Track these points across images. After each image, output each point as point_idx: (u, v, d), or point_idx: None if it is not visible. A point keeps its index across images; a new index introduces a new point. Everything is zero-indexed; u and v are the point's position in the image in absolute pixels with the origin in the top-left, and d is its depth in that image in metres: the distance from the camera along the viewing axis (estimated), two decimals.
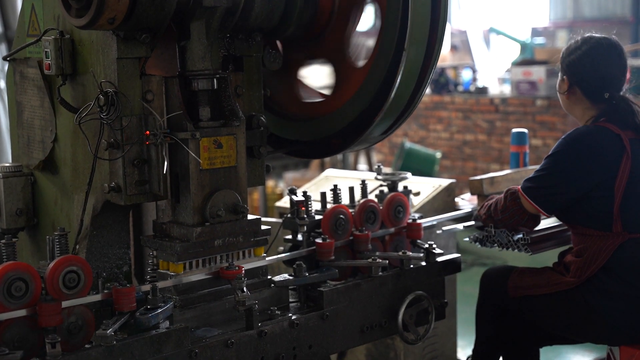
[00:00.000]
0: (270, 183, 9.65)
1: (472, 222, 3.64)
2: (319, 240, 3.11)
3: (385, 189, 3.60)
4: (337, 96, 3.19)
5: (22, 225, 3.11)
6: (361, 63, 3.13)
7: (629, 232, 3.17)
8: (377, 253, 3.24)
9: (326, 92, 3.31)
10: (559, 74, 3.42)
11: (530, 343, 3.56)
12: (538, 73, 10.67)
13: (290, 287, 3.06)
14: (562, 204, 3.26)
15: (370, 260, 3.13)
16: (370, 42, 3.12)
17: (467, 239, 3.59)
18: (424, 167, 10.16)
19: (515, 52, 16.19)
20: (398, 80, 2.96)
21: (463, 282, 4.75)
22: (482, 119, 11.37)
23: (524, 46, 15.82)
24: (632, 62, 3.44)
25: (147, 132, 2.69)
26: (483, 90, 11.83)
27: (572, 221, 3.32)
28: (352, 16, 3.15)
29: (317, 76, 3.39)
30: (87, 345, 2.48)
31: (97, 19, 2.47)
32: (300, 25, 3.08)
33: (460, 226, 3.65)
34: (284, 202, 4.59)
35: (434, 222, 3.72)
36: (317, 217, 3.24)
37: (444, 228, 3.64)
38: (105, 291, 2.57)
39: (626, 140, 3.20)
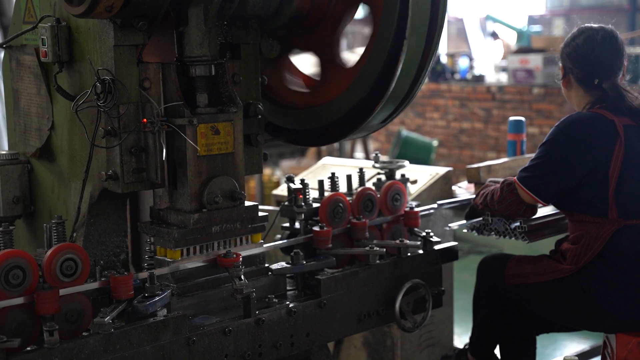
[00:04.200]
0: (266, 171, 9.65)
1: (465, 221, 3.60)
2: (316, 228, 3.11)
3: (383, 177, 3.60)
4: (335, 84, 3.19)
5: (19, 213, 3.10)
6: (359, 51, 3.12)
7: (625, 219, 3.17)
8: (375, 241, 3.24)
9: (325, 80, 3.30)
10: (559, 63, 3.44)
11: (526, 331, 3.57)
12: (535, 61, 10.68)
13: (287, 275, 3.07)
14: (558, 192, 3.26)
15: (367, 248, 3.13)
16: (368, 31, 3.11)
17: (458, 224, 3.59)
18: (420, 155, 10.19)
19: (512, 40, 16.18)
20: (399, 70, 2.95)
21: (460, 270, 4.76)
22: (478, 107, 11.37)
23: (521, 34, 15.81)
24: (628, 50, 3.44)
25: (145, 119, 2.69)
26: (480, 79, 11.84)
27: (568, 208, 3.33)
28: (349, 11, 3.15)
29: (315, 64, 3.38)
30: (85, 333, 2.49)
31: (95, 7, 2.46)
32: (298, 13, 3.07)
33: (466, 224, 3.60)
34: (282, 190, 4.59)
35: (431, 210, 3.72)
36: (315, 205, 3.24)
37: (451, 225, 3.63)
38: (103, 279, 2.57)
39: (620, 126, 3.20)
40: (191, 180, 2.76)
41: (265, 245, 3.01)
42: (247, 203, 2.92)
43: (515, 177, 3.31)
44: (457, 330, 4.60)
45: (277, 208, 3.39)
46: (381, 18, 3.01)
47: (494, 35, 16.36)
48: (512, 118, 4.84)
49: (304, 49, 3.30)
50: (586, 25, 3.40)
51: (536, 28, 16.96)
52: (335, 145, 10.35)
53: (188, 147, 2.74)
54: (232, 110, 2.83)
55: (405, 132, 11.01)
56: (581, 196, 3.23)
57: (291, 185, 3.25)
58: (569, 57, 3.37)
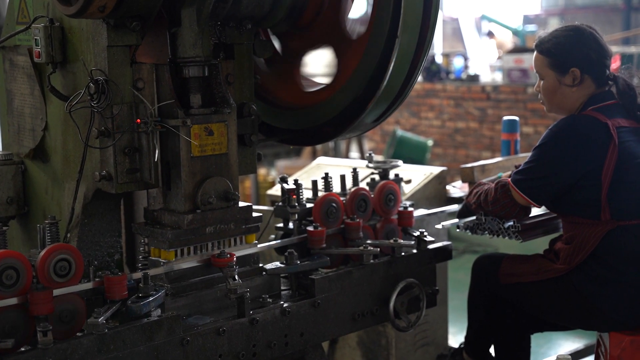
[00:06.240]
0: (261, 171, 9.66)
1: (457, 220, 3.60)
2: (310, 228, 3.11)
3: (377, 177, 3.60)
4: (329, 84, 3.19)
5: (13, 214, 3.10)
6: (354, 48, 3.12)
7: (618, 220, 3.18)
8: (369, 241, 3.24)
9: (319, 80, 3.31)
10: (551, 73, 3.31)
11: (521, 330, 3.58)
12: (530, 61, 10.67)
13: (281, 275, 3.07)
14: (552, 195, 3.27)
15: (361, 248, 3.13)
16: (362, 30, 3.12)
17: (451, 223, 3.59)
18: (415, 155, 10.20)
19: (507, 39, 16.19)
20: (391, 68, 2.96)
21: (454, 269, 4.77)
22: (473, 106, 11.38)
23: (516, 34, 15.84)
24: (623, 49, 3.43)
25: (138, 120, 2.69)
26: (475, 78, 11.85)
27: (561, 210, 3.33)
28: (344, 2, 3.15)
29: (309, 64, 3.38)
30: (78, 334, 2.49)
31: (88, 7, 2.46)
32: (291, 13, 3.08)
33: (460, 223, 3.60)
34: (276, 190, 4.59)
35: (427, 212, 3.73)
36: (309, 205, 3.24)
37: (443, 223, 3.63)
38: (97, 279, 2.57)
39: (613, 129, 3.20)
40: (185, 181, 2.76)
41: (259, 246, 3.02)
42: (241, 204, 2.92)
43: (510, 179, 3.32)
44: (452, 329, 4.61)
45: (272, 208, 3.39)
46: (374, 17, 3.02)
47: (490, 34, 16.40)
48: (505, 118, 4.85)
49: (299, 48, 3.30)
50: (566, 26, 3.37)
51: (531, 27, 16.98)
52: (331, 144, 10.37)
53: (182, 148, 2.74)
54: (225, 111, 2.83)
55: (400, 132, 11.02)
56: (574, 199, 3.23)
57: (285, 185, 3.25)
58: (580, 57, 3.27)
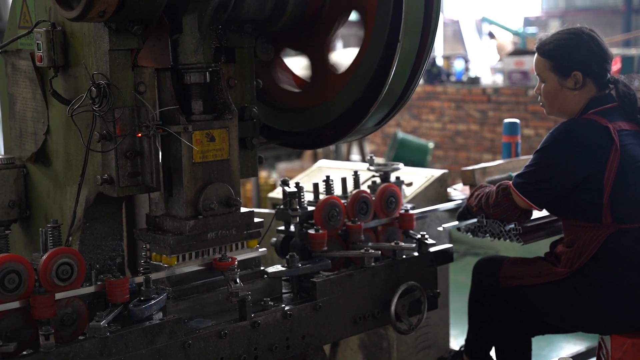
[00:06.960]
0: (262, 174, 9.65)
1: (457, 222, 3.62)
2: (311, 231, 3.12)
3: (378, 180, 3.61)
4: (330, 87, 3.19)
5: (15, 218, 3.11)
6: (353, 52, 3.13)
7: (619, 223, 3.18)
8: (370, 244, 3.25)
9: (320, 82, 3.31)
10: (553, 76, 3.32)
11: (522, 332, 3.58)
12: (530, 63, 10.68)
13: (283, 278, 3.07)
14: (552, 198, 3.27)
15: (362, 251, 3.14)
16: (362, 33, 3.12)
17: (452, 225, 3.60)
18: (416, 158, 10.19)
19: (507, 41, 16.20)
20: (392, 72, 2.96)
21: (456, 271, 4.77)
22: (474, 109, 11.38)
23: (517, 36, 15.84)
24: (623, 51, 3.44)
25: (139, 134, 2.69)
26: (475, 80, 11.84)
27: (562, 214, 3.34)
28: (343, 15, 3.16)
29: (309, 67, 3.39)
30: (80, 337, 2.49)
31: (88, 11, 2.47)
32: (292, 16, 3.08)
33: (461, 225, 3.61)
34: (277, 193, 4.60)
35: (426, 213, 3.74)
36: (310, 208, 3.24)
37: (444, 225, 3.64)
38: (99, 283, 2.57)
39: (614, 132, 3.20)
40: (187, 187, 2.77)
41: (260, 250, 3.02)
42: (243, 209, 2.92)
43: (511, 182, 3.32)
44: (453, 332, 4.61)
45: (273, 211, 3.40)
46: (375, 20, 3.02)
47: (491, 36, 16.41)
48: (506, 120, 4.85)
49: (298, 50, 3.31)
50: (567, 29, 3.37)
51: (532, 30, 16.98)
52: (332, 147, 10.35)
53: (183, 154, 2.74)
54: (227, 117, 2.84)
55: (401, 134, 11.02)
56: (575, 202, 3.23)
57: (286, 188, 3.25)
58: (582, 60, 3.28)
